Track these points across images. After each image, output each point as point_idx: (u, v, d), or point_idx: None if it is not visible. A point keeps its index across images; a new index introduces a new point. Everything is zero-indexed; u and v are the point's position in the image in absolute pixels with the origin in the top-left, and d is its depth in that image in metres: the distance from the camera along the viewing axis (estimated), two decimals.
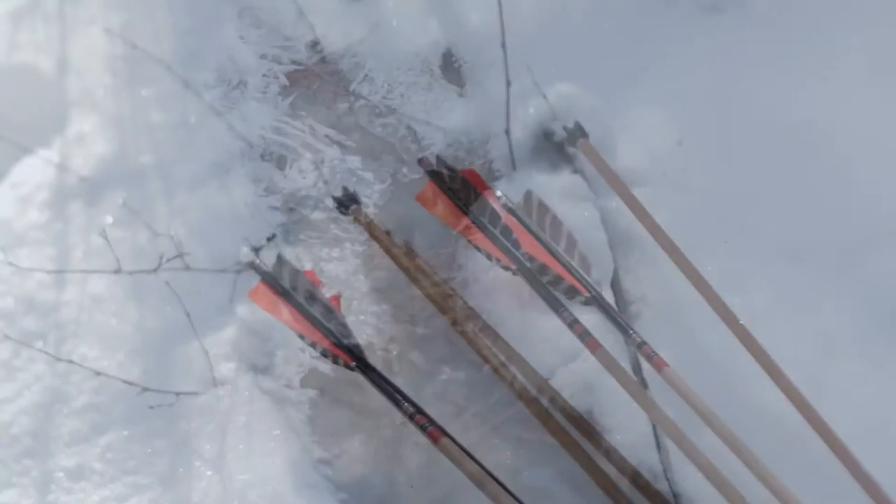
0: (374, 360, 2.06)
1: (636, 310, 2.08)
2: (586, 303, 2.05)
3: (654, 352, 1.87)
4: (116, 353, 2.30)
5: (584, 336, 1.92)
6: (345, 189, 2.16)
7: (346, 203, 2.15)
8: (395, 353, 2.18)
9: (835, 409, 1.77)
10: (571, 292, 2.07)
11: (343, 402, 2.13)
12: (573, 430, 1.84)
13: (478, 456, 1.82)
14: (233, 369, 2.21)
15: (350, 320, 2.17)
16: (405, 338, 2.20)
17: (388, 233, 2.27)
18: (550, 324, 2.07)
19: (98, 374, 2.22)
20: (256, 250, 2.20)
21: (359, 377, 2.03)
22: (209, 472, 2.06)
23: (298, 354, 2.22)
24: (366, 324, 2.24)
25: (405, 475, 1.97)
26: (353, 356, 2.00)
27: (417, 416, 1.87)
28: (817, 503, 1.68)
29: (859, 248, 2.02)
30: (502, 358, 1.94)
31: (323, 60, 2.71)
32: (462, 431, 1.96)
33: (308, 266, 2.31)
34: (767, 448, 1.74)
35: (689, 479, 1.82)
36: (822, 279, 1.99)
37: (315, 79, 2.68)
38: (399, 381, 1.97)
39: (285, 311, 2.05)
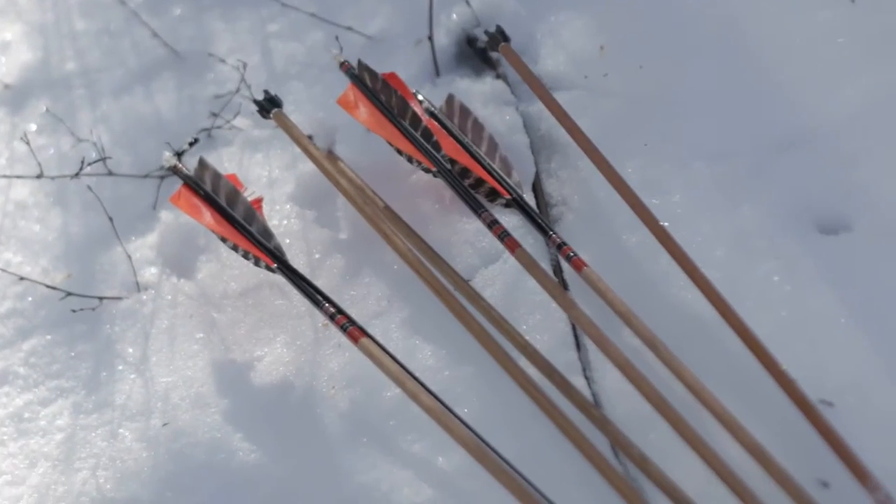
0: (297, 264, 2.01)
1: (558, 213, 2.05)
2: (507, 205, 2.02)
3: (573, 252, 1.83)
4: (40, 258, 2.27)
5: (503, 236, 1.88)
6: (266, 93, 2.11)
7: (268, 107, 2.09)
8: (317, 256, 2.13)
9: (751, 308, 1.74)
10: (493, 195, 2.03)
11: (265, 306, 2.09)
12: (493, 331, 1.80)
13: (399, 357, 1.79)
14: (156, 274, 2.19)
15: (273, 224, 2.14)
16: (328, 242, 2.15)
17: (310, 137, 2.23)
18: (471, 226, 2.05)
19: (21, 279, 2.19)
20: (179, 155, 2.14)
21: (281, 280, 1.99)
22: (132, 376, 2.03)
23: (222, 258, 2.19)
24: (288, 228, 2.20)
25: (327, 377, 1.93)
26: (274, 258, 1.95)
27: (338, 316, 1.83)
28: (733, 399, 1.65)
29: (777, 152, 1.99)
30: (423, 259, 1.89)
31: None
32: (384, 332, 1.93)
33: (230, 170, 2.27)
34: (685, 346, 1.71)
35: (607, 377, 1.79)
36: (739, 182, 1.96)
37: None
38: (321, 284, 1.92)
39: (207, 214, 2.00)
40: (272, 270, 1.96)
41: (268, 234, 2.00)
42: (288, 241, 2.16)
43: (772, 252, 1.88)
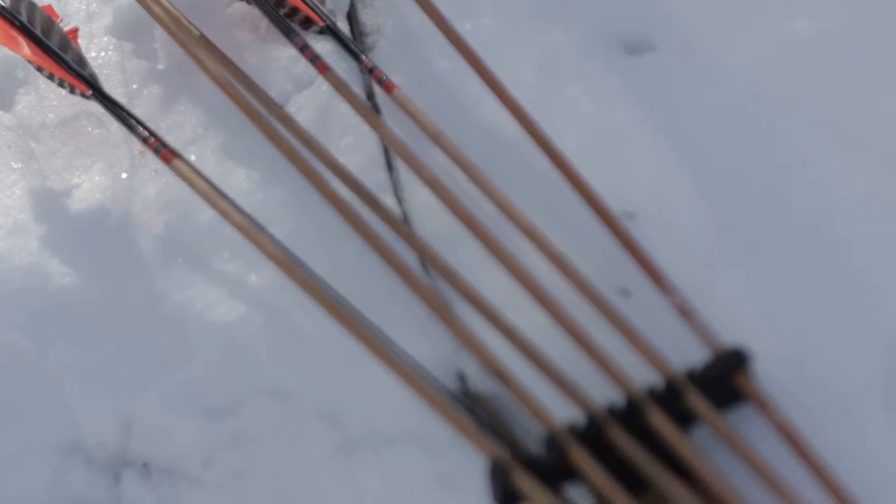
0: (115, 94, 1.92)
1: (372, 41, 1.98)
2: (321, 32, 1.95)
3: (385, 76, 1.79)
4: None
5: (315, 59, 1.83)
6: None
7: None
8: (134, 86, 2.04)
9: (558, 128, 1.70)
10: (307, 23, 1.96)
11: (83, 135, 2.01)
12: (306, 153, 1.74)
13: (214, 181, 1.72)
14: None
15: (91, 57, 2.04)
16: (145, 72, 2.06)
17: None
18: (286, 54, 1.98)
19: None
20: None
21: (99, 111, 1.91)
22: None
23: (41, 90, 2.08)
24: (107, 59, 2.10)
25: (143, 202, 1.86)
26: (88, 85, 1.86)
27: (151, 139, 1.76)
28: (540, 215, 1.63)
29: None
30: (238, 86, 1.81)
31: None
32: (199, 158, 1.87)
33: (46, 2, 2.15)
34: (494, 165, 1.68)
35: (416, 195, 1.76)
36: (548, 5, 1.92)
37: None
38: (138, 113, 1.84)
39: (24, 44, 1.90)
40: (87, 97, 1.87)
41: (83, 62, 1.92)
42: (106, 72, 2.06)
43: (579, 74, 1.84)
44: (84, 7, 2.20)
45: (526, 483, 1.38)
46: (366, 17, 2.05)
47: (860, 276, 1.60)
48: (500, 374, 1.48)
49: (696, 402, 1.45)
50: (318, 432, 1.64)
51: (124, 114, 1.83)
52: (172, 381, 1.71)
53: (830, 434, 1.45)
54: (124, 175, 1.92)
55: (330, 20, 1.91)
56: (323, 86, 1.88)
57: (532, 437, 1.50)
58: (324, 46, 1.94)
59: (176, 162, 1.73)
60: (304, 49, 1.85)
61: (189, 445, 1.67)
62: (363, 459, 1.62)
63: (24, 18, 1.91)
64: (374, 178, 1.79)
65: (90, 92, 1.87)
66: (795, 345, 1.56)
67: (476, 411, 1.57)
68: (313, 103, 1.91)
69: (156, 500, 1.64)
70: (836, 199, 1.67)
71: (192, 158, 1.81)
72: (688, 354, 1.51)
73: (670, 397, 1.46)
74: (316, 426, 1.64)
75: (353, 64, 1.90)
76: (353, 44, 1.88)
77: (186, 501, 1.64)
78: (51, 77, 1.94)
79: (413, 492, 1.57)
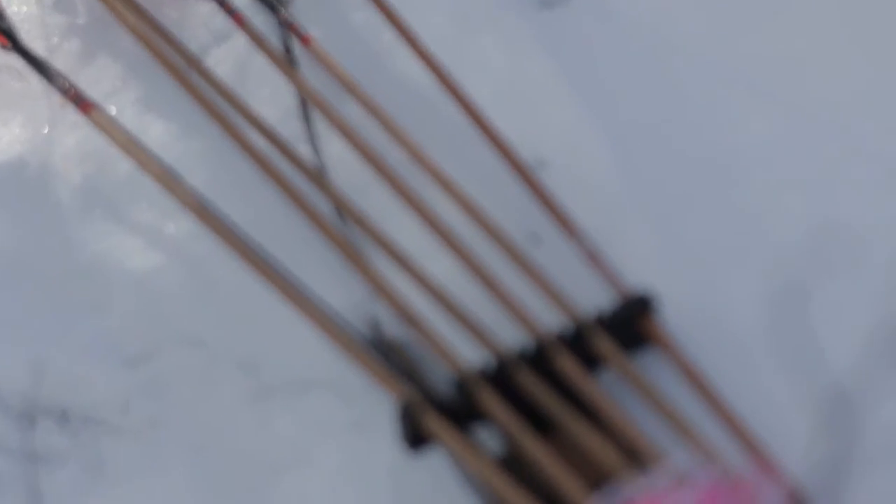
0: (35, 48, 1.88)
1: None
2: None
3: (302, 28, 1.78)
4: None
5: (232, 13, 1.82)
6: None
7: None
8: (55, 40, 2.01)
9: (471, 79, 1.70)
10: None
11: (3, 88, 1.97)
12: (224, 105, 1.72)
13: (131, 131, 1.69)
14: None
15: (12, 11, 2.00)
16: (65, 27, 2.03)
17: None
18: (205, 8, 1.96)
19: None
20: None
21: (19, 64, 1.87)
22: None
23: None
24: (28, 14, 2.07)
25: (62, 153, 1.84)
26: (8, 38, 1.83)
27: (71, 90, 1.73)
28: (454, 164, 1.62)
29: None
30: (157, 40, 1.79)
31: None
32: (119, 111, 1.86)
33: None
34: (407, 115, 1.67)
35: (332, 146, 1.74)
36: None
37: None
38: (59, 66, 1.82)
39: None
40: (6, 50, 1.84)
41: (1, 15, 1.87)
42: (26, 26, 2.02)
43: (492, 25, 1.85)
44: None
45: (435, 424, 1.37)
46: None
47: (755, 218, 1.62)
48: (410, 319, 1.47)
49: (604, 345, 1.44)
50: (235, 380, 1.62)
51: (44, 66, 1.80)
52: (89, 329, 1.69)
53: (727, 370, 1.46)
54: (44, 128, 1.89)
55: None
56: (241, 39, 1.86)
57: (443, 382, 1.49)
58: (241, 2, 1.92)
59: (95, 114, 1.70)
60: (223, 2, 1.83)
61: (106, 393, 1.65)
62: (279, 406, 1.60)
63: None
64: (290, 129, 1.77)
65: (9, 45, 1.84)
66: (696, 287, 1.57)
67: (389, 357, 1.55)
68: (231, 56, 1.90)
69: (72, 447, 1.61)
70: (738, 144, 1.68)
71: (112, 111, 1.80)
72: (597, 300, 1.51)
73: (578, 341, 1.45)
74: (232, 374, 1.62)
75: (270, 17, 1.89)
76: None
77: (104, 447, 1.61)
78: None
79: (327, 438, 1.56)
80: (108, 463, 1.60)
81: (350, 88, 1.71)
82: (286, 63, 1.78)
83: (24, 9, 2.07)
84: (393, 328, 1.59)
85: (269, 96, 1.83)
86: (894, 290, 1.51)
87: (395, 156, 1.65)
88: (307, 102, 1.79)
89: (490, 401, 1.39)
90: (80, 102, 1.71)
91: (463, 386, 1.41)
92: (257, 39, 1.78)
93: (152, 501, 1.59)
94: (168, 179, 1.62)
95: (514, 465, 1.38)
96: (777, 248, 1.58)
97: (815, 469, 1.36)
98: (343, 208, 1.63)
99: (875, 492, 1.36)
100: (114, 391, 1.65)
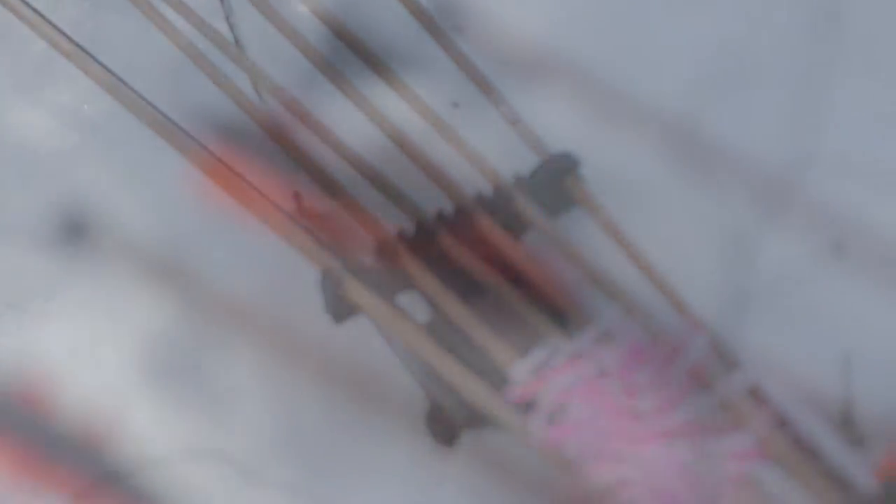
0: None
1: None
2: None
3: None
4: None
5: None
6: None
7: None
8: None
9: None
10: None
11: None
12: None
13: (42, 10, 1.62)
14: None
15: None
16: None
17: None
18: None
19: None
20: None
21: None
22: None
23: None
24: None
25: None
26: None
27: None
28: (374, 37, 1.59)
29: None
30: None
31: None
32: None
33: None
34: None
35: (248, 20, 1.70)
36: None
37: None
38: None
39: None
40: None
41: None
42: None
43: None
44: None
45: (357, 292, 1.34)
46: None
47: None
48: (331, 188, 1.43)
49: (525, 207, 1.41)
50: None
51: None
52: (8, 211, 1.65)
53: (638, 221, 1.44)
54: None
55: None
56: None
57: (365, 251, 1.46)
58: None
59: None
60: None
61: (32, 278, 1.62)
62: None
63: None
64: (206, 4, 1.71)
65: None
66: (607, 147, 1.55)
67: (312, 229, 1.52)
68: None
69: None
70: None
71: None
72: (520, 164, 1.49)
73: (501, 204, 1.42)
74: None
75: None
76: None
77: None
78: None
79: None
80: None
81: None
82: None
83: None
84: (315, 201, 1.56)
85: None
86: None
87: (315, 29, 1.61)
88: None
89: (412, 265, 1.36)
90: None
91: (382, 251, 1.37)
92: None
93: None
94: (79, 56, 1.57)
95: (441, 331, 1.35)
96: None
97: (720, 304, 1.36)
98: (260, 82, 1.59)
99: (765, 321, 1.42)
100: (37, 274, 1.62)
